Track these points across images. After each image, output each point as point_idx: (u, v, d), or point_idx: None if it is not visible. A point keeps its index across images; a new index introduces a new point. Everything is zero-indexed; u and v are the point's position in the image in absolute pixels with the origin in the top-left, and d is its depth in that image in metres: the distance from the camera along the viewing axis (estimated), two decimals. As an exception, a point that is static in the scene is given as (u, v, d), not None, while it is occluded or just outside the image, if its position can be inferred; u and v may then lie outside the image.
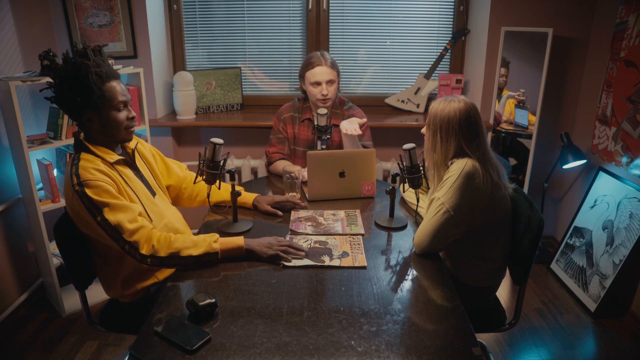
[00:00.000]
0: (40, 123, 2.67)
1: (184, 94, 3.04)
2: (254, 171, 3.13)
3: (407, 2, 3.17)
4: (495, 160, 1.68)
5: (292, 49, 3.26)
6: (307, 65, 2.30)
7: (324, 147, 2.19)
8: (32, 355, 2.25)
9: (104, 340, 2.33)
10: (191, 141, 3.26)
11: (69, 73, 1.49)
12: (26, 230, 2.66)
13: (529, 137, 2.88)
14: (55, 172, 2.50)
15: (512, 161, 3.00)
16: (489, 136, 3.03)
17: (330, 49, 3.22)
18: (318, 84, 2.27)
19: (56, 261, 2.48)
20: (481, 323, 1.76)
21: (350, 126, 2.19)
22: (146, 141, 2.28)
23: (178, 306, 1.33)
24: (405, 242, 1.71)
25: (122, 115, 1.58)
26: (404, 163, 1.74)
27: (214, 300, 1.28)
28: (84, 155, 1.55)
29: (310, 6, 3.13)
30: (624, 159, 2.58)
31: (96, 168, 1.51)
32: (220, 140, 1.68)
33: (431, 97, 3.24)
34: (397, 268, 1.55)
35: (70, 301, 2.56)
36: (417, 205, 1.84)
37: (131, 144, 1.71)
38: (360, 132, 2.18)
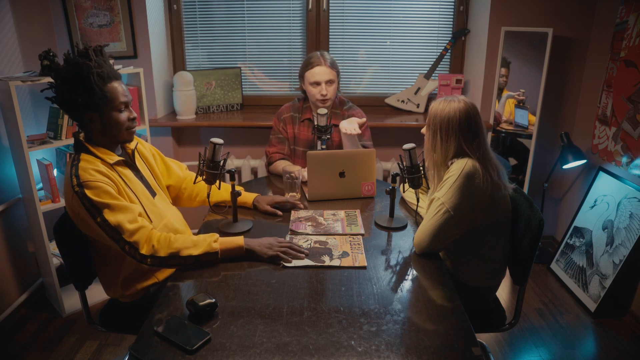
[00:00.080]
0: (40, 123, 2.67)
1: (184, 94, 3.04)
2: (254, 171, 3.13)
3: (407, 2, 3.17)
4: (495, 160, 1.68)
5: (292, 49, 3.26)
6: (307, 65, 2.30)
7: (324, 147, 2.19)
8: (32, 355, 2.25)
9: (104, 340, 2.33)
10: (191, 141, 3.26)
11: (70, 73, 1.49)
12: (26, 230, 2.66)
13: (529, 137, 2.88)
14: (55, 172, 2.50)
15: (512, 161, 3.00)
16: (489, 136, 3.03)
17: (330, 49, 3.22)
18: (317, 84, 2.27)
19: (56, 261, 2.48)
20: (481, 323, 1.76)
21: (350, 126, 2.19)
22: (146, 141, 2.28)
23: (178, 306, 1.33)
24: (405, 242, 1.71)
25: (123, 116, 1.58)
26: (404, 163, 1.74)
27: (214, 300, 1.28)
28: (83, 156, 1.55)
29: (310, 6, 3.13)
30: (624, 159, 2.58)
31: (96, 169, 1.51)
32: (220, 140, 1.68)
33: (431, 97, 3.24)
34: (397, 268, 1.55)
35: (70, 301, 2.56)
36: (417, 205, 1.84)
37: (131, 145, 1.71)
38: (359, 132, 2.18)
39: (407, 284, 1.47)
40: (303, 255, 1.57)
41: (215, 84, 3.21)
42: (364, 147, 2.34)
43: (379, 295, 1.38)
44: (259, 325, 1.24)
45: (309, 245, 1.65)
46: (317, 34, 3.18)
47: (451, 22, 3.19)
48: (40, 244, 2.46)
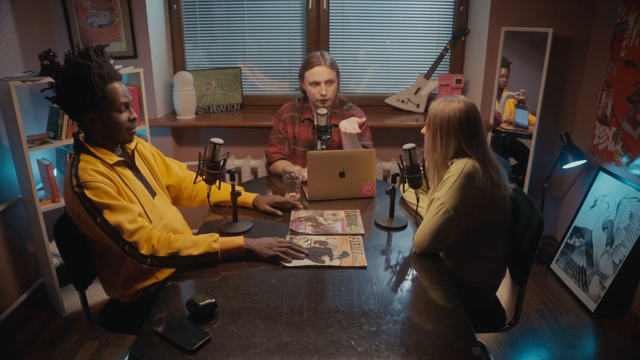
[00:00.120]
0: (40, 123, 2.67)
1: (184, 94, 3.04)
2: (254, 171, 3.13)
3: (407, 2, 3.17)
4: (495, 160, 1.68)
5: (292, 49, 3.26)
6: (307, 65, 2.30)
7: (324, 147, 2.19)
8: (32, 355, 2.25)
9: (104, 340, 2.33)
10: (191, 141, 3.26)
11: (71, 74, 1.49)
12: (26, 230, 2.66)
13: (529, 137, 2.88)
14: (55, 172, 2.50)
15: (512, 161, 3.00)
16: (489, 136, 3.03)
17: (330, 49, 3.22)
18: (317, 83, 2.27)
19: (56, 261, 2.48)
20: (481, 323, 1.76)
21: (350, 125, 2.19)
22: (146, 141, 2.28)
23: (178, 306, 1.33)
24: (405, 242, 1.71)
25: (124, 116, 1.58)
26: (404, 163, 1.74)
27: (214, 300, 1.28)
28: (83, 156, 1.55)
29: (310, 6, 3.13)
30: (624, 159, 2.58)
31: (95, 169, 1.51)
32: (220, 140, 1.68)
33: (431, 97, 3.24)
34: (397, 268, 1.55)
35: (70, 301, 2.56)
36: (417, 205, 1.84)
37: (131, 145, 1.71)
38: (359, 131, 2.18)
39: (407, 284, 1.47)
40: (303, 255, 1.57)
41: (215, 84, 3.21)
42: (364, 147, 2.34)
43: (379, 295, 1.38)
44: (259, 325, 1.24)
45: (309, 245, 1.65)
46: (317, 34, 3.18)
47: (451, 22, 3.19)
48: (40, 244, 2.46)
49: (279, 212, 1.91)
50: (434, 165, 1.70)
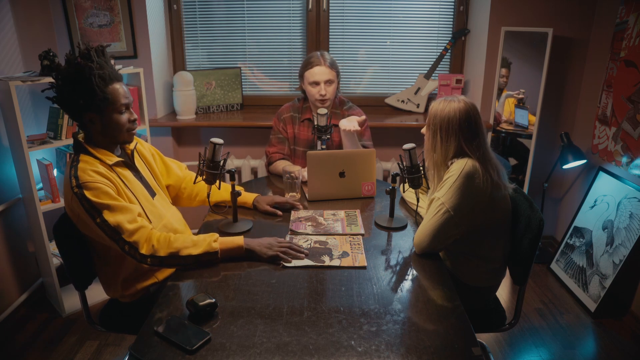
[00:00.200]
0: (40, 123, 2.67)
1: (184, 94, 3.04)
2: (254, 171, 3.13)
3: (407, 2, 3.17)
4: (495, 160, 1.68)
5: (292, 49, 3.26)
6: (307, 65, 2.30)
7: (324, 147, 2.19)
8: (32, 355, 2.25)
9: (104, 340, 2.33)
10: (191, 141, 3.26)
11: (72, 74, 1.49)
12: (26, 230, 2.66)
13: (529, 137, 2.88)
14: (55, 172, 2.50)
15: (512, 161, 3.00)
16: (489, 136, 3.03)
17: (330, 49, 3.22)
18: (316, 83, 2.27)
19: (56, 261, 2.48)
20: (481, 323, 1.76)
21: (350, 123, 2.19)
22: (146, 141, 2.28)
23: (178, 306, 1.33)
24: (405, 242, 1.71)
25: (124, 117, 1.58)
26: (404, 163, 1.74)
27: (214, 300, 1.28)
28: (82, 157, 1.55)
29: (310, 6, 3.13)
30: (624, 159, 2.59)
31: (95, 170, 1.51)
32: (220, 140, 1.68)
33: (431, 97, 3.24)
34: (397, 268, 1.55)
35: (70, 301, 2.56)
36: (417, 205, 1.84)
37: (130, 145, 1.70)
38: (358, 128, 2.18)
39: (407, 284, 1.47)
40: (303, 255, 1.57)
41: (215, 84, 3.21)
42: (364, 147, 2.34)
43: (379, 295, 1.38)
44: (259, 325, 1.24)
45: (309, 245, 1.65)
46: (317, 34, 3.18)
47: (451, 22, 3.19)
48: (40, 244, 2.46)
49: (279, 212, 1.91)
50: (434, 165, 1.70)
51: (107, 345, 2.30)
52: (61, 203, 2.47)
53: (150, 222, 1.60)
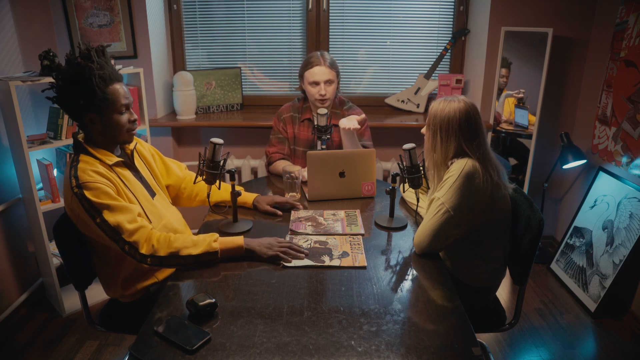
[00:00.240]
0: (40, 123, 2.67)
1: (184, 94, 3.04)
2: (254, 171, 3.13)
3: (407, 2, 3.17)
4: (495, 160, 1.68)
5: (292, 49, 3.26)
6: (306, 65, 2.30)
7: (324, 147, 2.19)
8: (32, 355, 2.25)
9: (104, 340, 2.33)
10: (191, 141, 3.26)
11: (72, 75, 1.49)
12: (26, 230, 2.66)
13: (529, 137, 2.88)
14: (55, 172, 2.50)
15: (512, 161, 3.00)
16: (489, 136, 3.03)
17: (330, 49, 3.22)
18: (316, 83, 2.27)
19: (56, 261, 2.48)
20: (481, 323, 1.76)
21: (349, 122, 2.19)
22: (146, 141, 2.28)
23: (178, 306, 1.33)
24: (405, 242, 1.71)
25: (124, 118, 1.58)
26: (404, 163, 1.74)
27: (214, 300, 1.28)
28: (82, 157, 1.55)
29: (310, 6, 3.13)
30: (624, 159, 2.59)
31: (95, 170, 1.51)
32: (220, 140, 1.68)
33: (431, 97, 3.24)
34: (397, 268, 1.55)
35: (70, 301, 2.56)
36: (417, 205, 1.84)
37: (130, 145, 1.70)
38: (358, 127, 2.18)
39: (407, 284, 1.47)
40: (303, 255, 1.57)
41: (215, 84, 3.21)
42: (364, 147, 2.34)
43: (379, 295, 1.38)
44: (259, 325, 1.24)
45: (309, 245, 1.65)
46: (317, 34, 3.18)
47: (451, 22, 3.19)
48: (40, 244, 2.46)
49: (279, 212, 1.91)
50: (434, 165, 1.70)
51: (107, 345, 2.30)
52: (61, 203, 2.47)
53: (150, 222, 1.60)
